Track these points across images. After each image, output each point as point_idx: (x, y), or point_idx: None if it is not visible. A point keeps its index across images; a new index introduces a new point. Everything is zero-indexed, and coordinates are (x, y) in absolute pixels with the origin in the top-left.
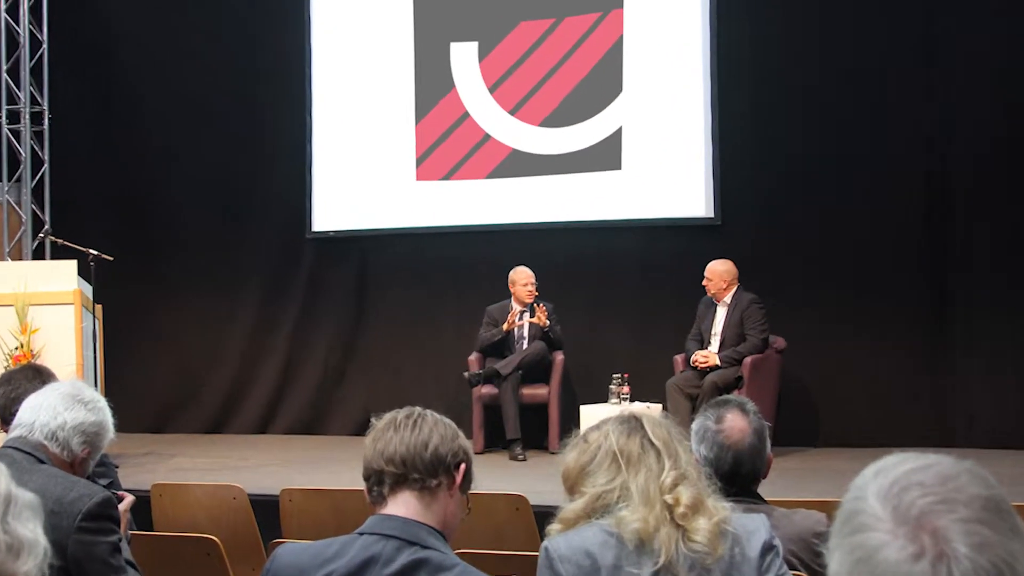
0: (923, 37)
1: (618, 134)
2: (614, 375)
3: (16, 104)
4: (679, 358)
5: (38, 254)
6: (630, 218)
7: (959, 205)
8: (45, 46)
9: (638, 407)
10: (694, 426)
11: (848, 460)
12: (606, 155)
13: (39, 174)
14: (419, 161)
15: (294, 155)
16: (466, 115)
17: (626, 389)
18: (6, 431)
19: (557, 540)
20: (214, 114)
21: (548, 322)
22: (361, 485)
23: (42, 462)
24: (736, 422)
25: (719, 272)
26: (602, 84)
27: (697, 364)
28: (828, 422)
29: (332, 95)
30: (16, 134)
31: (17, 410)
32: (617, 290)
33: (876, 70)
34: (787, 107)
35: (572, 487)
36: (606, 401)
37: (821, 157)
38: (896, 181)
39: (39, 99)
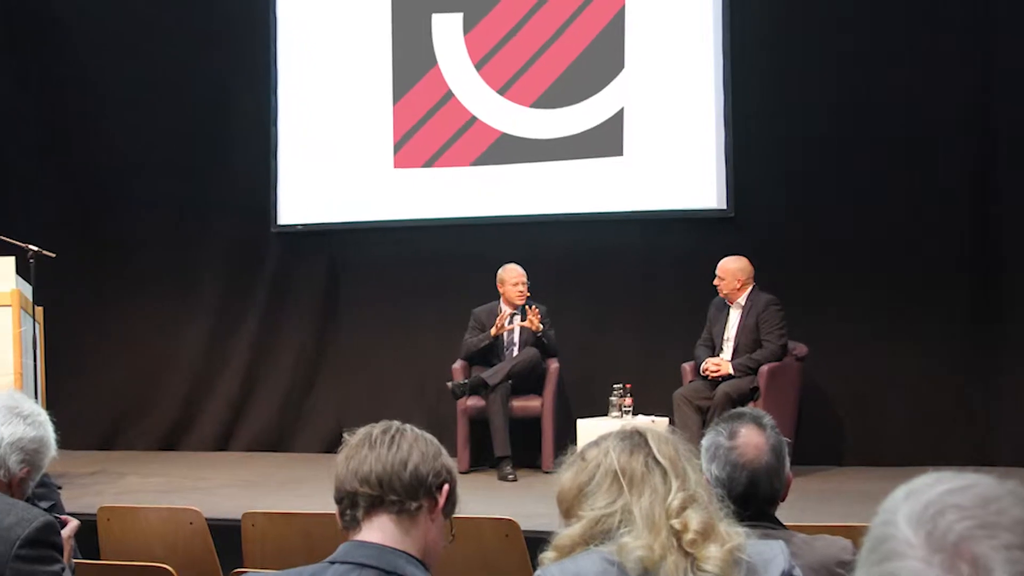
0: (972, 8)
1: (619, 116)
2: (615, 385)
3: None
4: (688, 366)
5: None
6: (633, 210)
7: (1007, 197)
8: None
9: (642, 421)
10: (704, 442)
11: (877, 481)
12: (606, 140)
13: None
14: (397, 146)
15: (257, 140)
16: (449, 95)
17: (628, 401)
18: None
19: (551, 569)
20: (167, 96)
21: (541, 326)
22: (332, 508)
23: None
24: (751, 438)
25: (732, 270)
26: (602, 60)
27: (708, 373)
28: (855, 438)
29: (299, 73)
30: None
31: None
32: (618, 290)
33: (917, 46)
34: (811, 86)
35: (568, 510)
36: (606, 414)
37: (849, 142)
38: (936, 169)
39: None
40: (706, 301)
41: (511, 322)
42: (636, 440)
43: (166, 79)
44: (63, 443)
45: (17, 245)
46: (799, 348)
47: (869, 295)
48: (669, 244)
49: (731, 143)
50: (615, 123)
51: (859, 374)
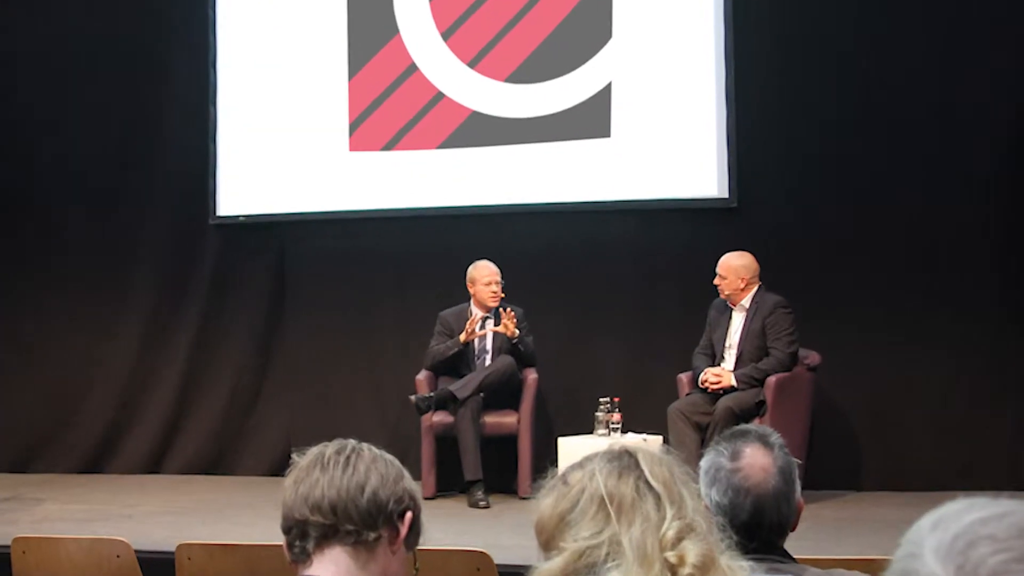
0: None
1: (606, 92)
2: (601, 399)
3: None
4: (684, 377)
5: None
6: (622, 199)
7: None
8: None
9: (632, 440)
10: (704, 464)
11: (899, 508)
12: (591, 119)
13: None
14: (353, 127)
15: (193, 120)
16: (413, 68)
17: (617, 417)
18: None
19: None
20: (88, 70)
21: (517, 331)
22: (279, 539)
23: None
24: (757, 459)
25: (735, 268)
26: (586, 28)
27: (707, 385)
28: (875, 459)
29: (241, 44)
30: None
31: None
32: (606, 291)
33: (945, 20)
34: (824, 61)
35: (548, 541)
36: (591, 432)
37: (866, 125)
38: (966, 155)
39: None
40: (705, 303)
41: (483, 327)
42: (625, 461)
43: (87, 51)
44: None
45: None
46: (811, 357)
47: (891, 296)
48: (663, 238)
49: (734, 123)
50: (601, 100)
51: (880, 386)
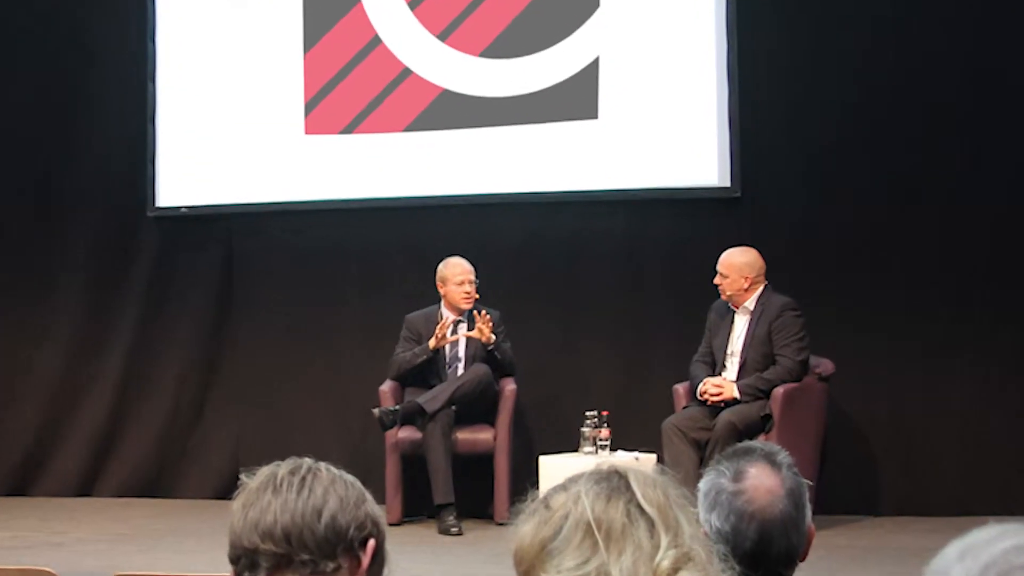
0: None
1: (593, 69)
2: (588, 413)
3: None
4: (681, 388)
5: None
6: (611, 188)
7: None
8: None
9: (623, 458)
10: (703, 485)
11: (923, 535)
12: (576, 98)
13: None
14: (309, 107)
15: (129, 100)
16: (376, 41)
17: (605, 432)
18: None
19: None
20: (9, 43)
21: (493, 336)
22: (226, 569)
23: None
24: (762, 480)
25: (738, 266)
26: None
27: (707, 397)
28: (895, 481)
29: (183, 14)
30: None
31: None
32: (593, 291)
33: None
34: (841, 34)
35: (528, 572)
36: (576, 450)
37: (886, 106)
38: (1001, 139)
39: None
40: (705, 305)
41: (455, 332)
42: (615, 483)
43: (7, 20)
44: None
45: None
46: (823, 365)
47: (915, 298)
48: (657, 232)
49: (736, 103)
50: (588, 77)
51: (901, 399)
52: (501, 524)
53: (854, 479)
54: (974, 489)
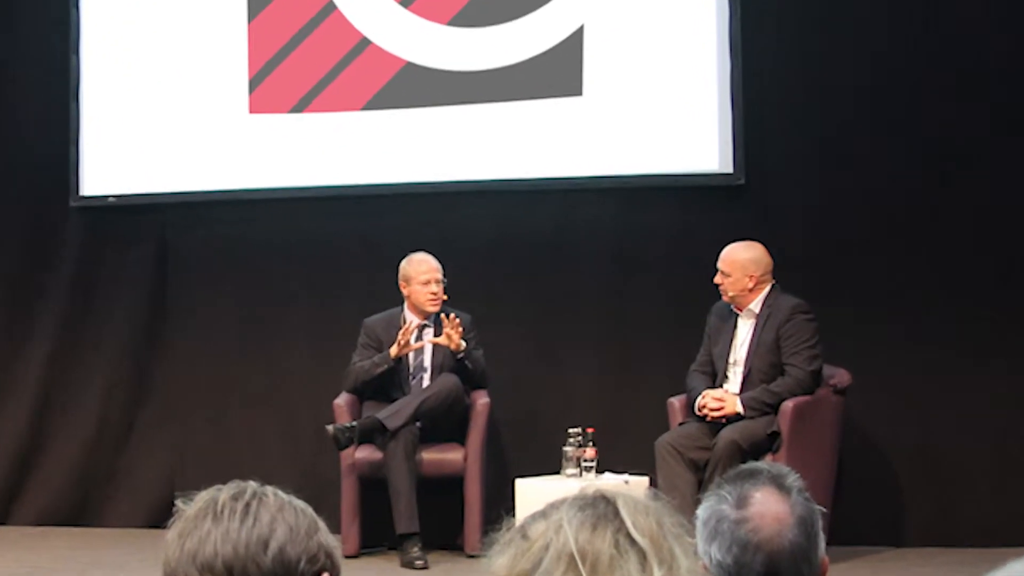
0: None
1: (577, 39)
2: (571, 430)
3: None
4: (677, 402)
5: None
6: (597, 174)
7: None
8: None
9: (611, 482)
10: (702, 512)
11: (951, 567)
12: (558, 72)
13: None
14: (254, 83)
15: (50, 76)
16: (331, 8)
17: (591, 452)
18: None
19: None
20: None
21: (463, 343)
22: None
23: None
24: (769, 506)
25: (742, 263)
26: None
27: (706, 412)
28: (920, 507)
29: None
30: None
31: None
32: (577, 292)
33: None
34: (857, 2)
35: None
36: (558, 472)
37: (914, 78)
38: None
39: None
40: (704, 308)
41: (419, 338)
42: (601, 510)
43: None
44: None
45: None
46: (839, 376)
47: (944, 301)
48: (650, 225)
49: (739, 79)
50: (570, 49)
51: (927, 415)
52: (472, 556)
53: (874, 505)
54: (1010, 517)
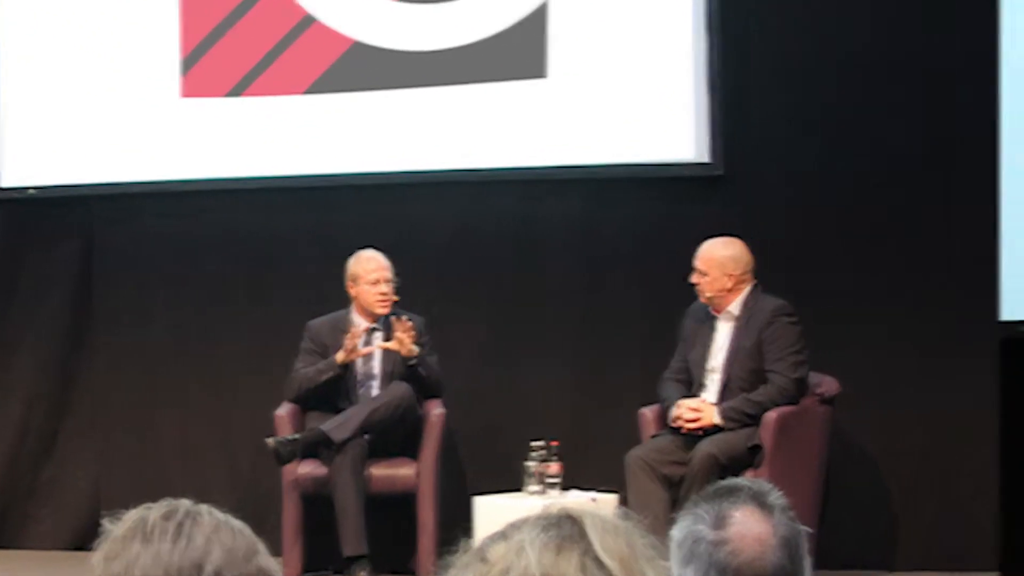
0: None
1: (540, 16)
2: (534, 443)
3: None
4: (649, 412)
5: None
6: (563, 164)
7: None
8: None
9: (576, 499)
10: (676, 533)
11: None
12: (519, 52)
13: None
14: (187, 64)
15: None
16: None
17: (555, 467)
18: None
19: None
20: None
21: (415, 349)
22: None
23: None
24: (750, 527)
25: (720, 261)
26: None
27: (681, 423)
28: (914, 528)
29: None
30: None
31: None
32: (541, 291)
33: None
34: None
35: None
36: (519, 489)
37: (901, 63)
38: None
39: None
40: (679, 309)
41: (368, 342)
42: (567, 530)
43: None
44: None
45: None
46: (826, 384)
47: (944, 301)
48: (621, 219)
49: (718, 60)
50: (533, 26)
51: (922, 425)
52: None
53: (864, 525)
54: (1014, 540)
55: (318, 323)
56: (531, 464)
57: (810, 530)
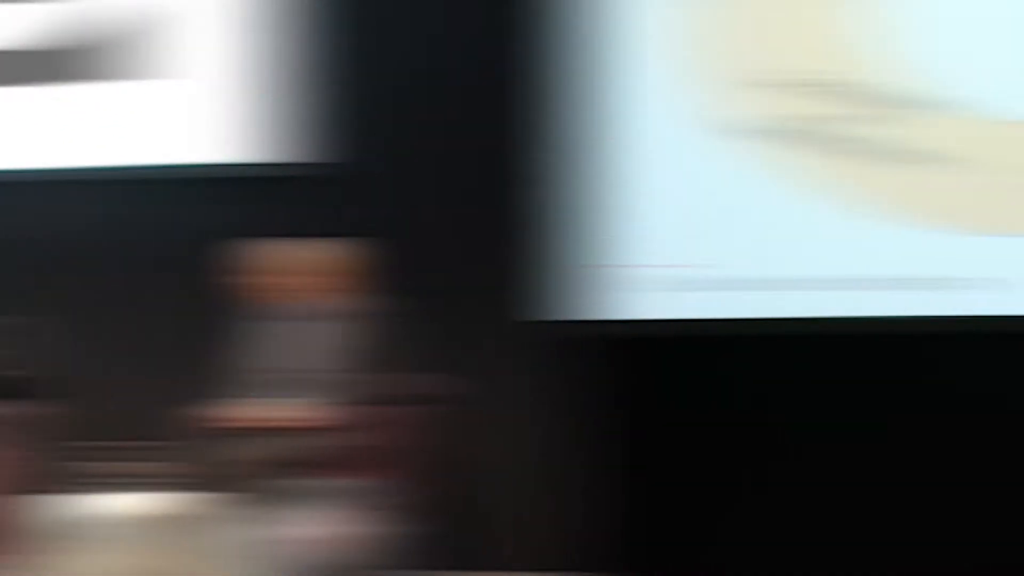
0: None
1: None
2: (95, 443)
3: None
4: (206, 414)
5: None
6: (91, 165)
7: None
8: None
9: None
10: (235, 536)
11: None
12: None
13: None
14: None
15: None
16: None
17: (119, 468)
18: None
19: None
20: None
21: None
22: None
23: None
24: (318, 527)
25: (288, 265)
26: None
27: (241, 424)
28: (529, 529)
29: None
30: None
31: None
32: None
33: None
34: None
35: None
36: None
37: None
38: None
39: None
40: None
41: None
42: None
43: None
44: None
45: None
46: (422, 385)
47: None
48: (163, 221)
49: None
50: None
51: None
52: None
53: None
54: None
55: None
56: (93, 465)
57: (398, 532)
